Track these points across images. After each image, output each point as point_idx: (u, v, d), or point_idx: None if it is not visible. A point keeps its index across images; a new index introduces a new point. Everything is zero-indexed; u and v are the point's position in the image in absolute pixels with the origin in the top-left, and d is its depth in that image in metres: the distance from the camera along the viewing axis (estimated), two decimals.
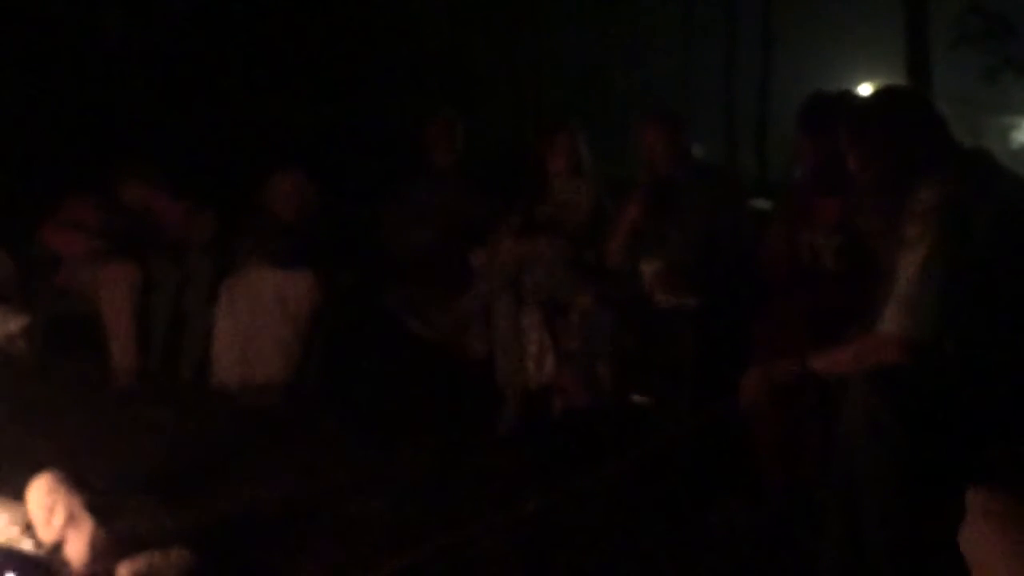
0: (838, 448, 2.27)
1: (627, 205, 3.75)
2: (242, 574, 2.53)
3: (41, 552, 2.37)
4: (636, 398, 3.55)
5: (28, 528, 2.41)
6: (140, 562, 2.29)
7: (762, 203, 4.34)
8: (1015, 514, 1.35)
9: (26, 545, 2.38)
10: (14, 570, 2.22)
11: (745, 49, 17.21)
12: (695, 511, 2.99)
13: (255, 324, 4.23)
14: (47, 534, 2.37)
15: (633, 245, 3.71)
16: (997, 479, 1.43)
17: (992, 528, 1.37)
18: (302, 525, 2.89)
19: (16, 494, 2.52)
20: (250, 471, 3.35)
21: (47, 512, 2.38)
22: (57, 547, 2.36)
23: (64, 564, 2.32)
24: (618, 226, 3.76)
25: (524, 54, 14.64)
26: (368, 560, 2.62)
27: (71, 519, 2.36)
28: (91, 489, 2.55)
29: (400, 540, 2.75)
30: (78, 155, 5.54)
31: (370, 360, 4.41)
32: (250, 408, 4.08)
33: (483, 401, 3.93)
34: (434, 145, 4.61)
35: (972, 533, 1.44)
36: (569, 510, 2.94)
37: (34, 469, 2.55)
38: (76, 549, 2.32)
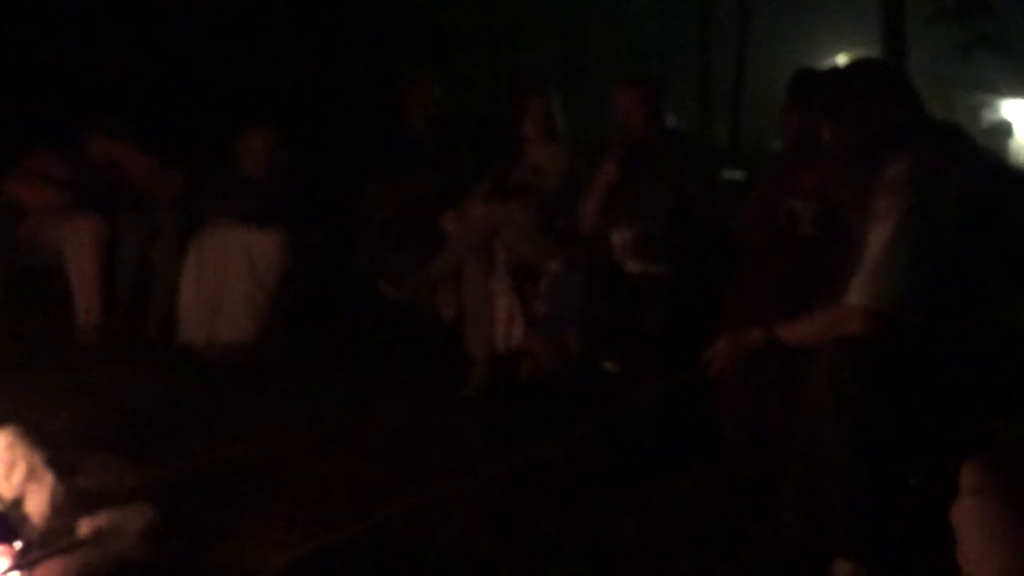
0: (802, 416, 2.29)
1: (602, 166, 3.74)
2: (205, 532, 2.51)
3: (0, 507, 2.34)
4: (605, 365, 3.56)
5: None
6: (102, 519, 2.27)
7: (735, 174, 4.35)
8: (1005, 493, 1.36)
9: None
10: None
11: (722, 21, 17.15)
12: (661, 477, 3.01)
13: (223, 282, 4.20)
14: (7, 489, 2.35)
15: (607, 208, 3.71)
16: (992, 456, 1.44)
17: (981, 505, 1.39)
18: (267, 484, 2.88)
19: None
20: (215, 430, 3.34)
21: (7, 467, 2.35)
22: (17, 503, 2.34)
23: (24, 519, 2.30)
24: (594, 188, 3.74)
25: (501, 17, 14.51)
26: (333, 520, 2.62)
27: (32, 474, 2.33)
28: (53, 444, 2.52)
29: (366, 501, 2.75)
30: (45, 107, 5.44)
31: (338, 320, 4.39)
32: (216, 366, 4.06)
33: (451, 364, 3.93)
34: (410, 106, 4.56)
35: (962, 508, 1.45)
36: (535, 473, 2.96)
37: None
38: (36, 504, 2.30)
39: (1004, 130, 15.47)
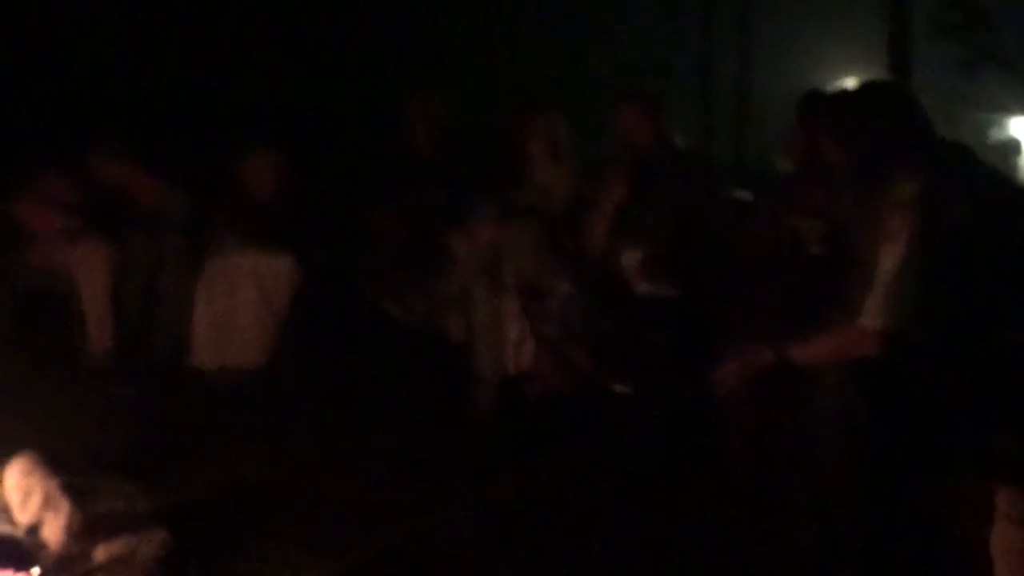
0: (810, 436, 2.29)
1: (610, 186, 3.75)
2: (217, 555, 2.52)
3: (17, 535, 2.35)
4: (614, 385, 3.57)
5: (4, 511, 2.39)
6: (117, 545, 2.29)
7: (742, 194, 4.37)
8: None
9: (2, 528, 2.36)
10: None
11: (724, 39, 17.21)
12: (667, 495, 3.01)
13: (232, 305, 4.21)
14: (24, 516, 2.36)
15: (614, 228, 3.72)
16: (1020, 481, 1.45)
17: (1013, 531, 1.40)
18: (276, 506, 2.89)
19: None
20: (224, 452, 3.35)
21: (24, 494, 2.37)
22: (33, 529, 2.35)
23: (41, 547, 2.31)
24: (602, 208, 3.75)
25: (502, 35, 14.57)
26: (342, 542, 2.62)
27: (48, 501, 2.34)
28: (64, 470, 2.53)
29: (374, 522, 2.76)
30: (53, 131, 5.46)
31: (346, 342, 4.40)
32: (226, 389, 4.07)
33: (459, 385, 3.93)
34: (416, 127, 4.58)
35: (1000, 535, 1.47)
36: (542, 493, 2.96)
37: (6, 449, 2.53)
38: (53, 531, 2.31)
39: (1012, 148, 15.48)
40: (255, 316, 4.19)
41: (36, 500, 2.34)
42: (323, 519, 2.82)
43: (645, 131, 3.77)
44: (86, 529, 2.32)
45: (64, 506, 2.33)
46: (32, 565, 2.21)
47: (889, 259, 2.24)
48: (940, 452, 2.25)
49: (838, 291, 2.56)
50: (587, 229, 3.83)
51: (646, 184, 3.71)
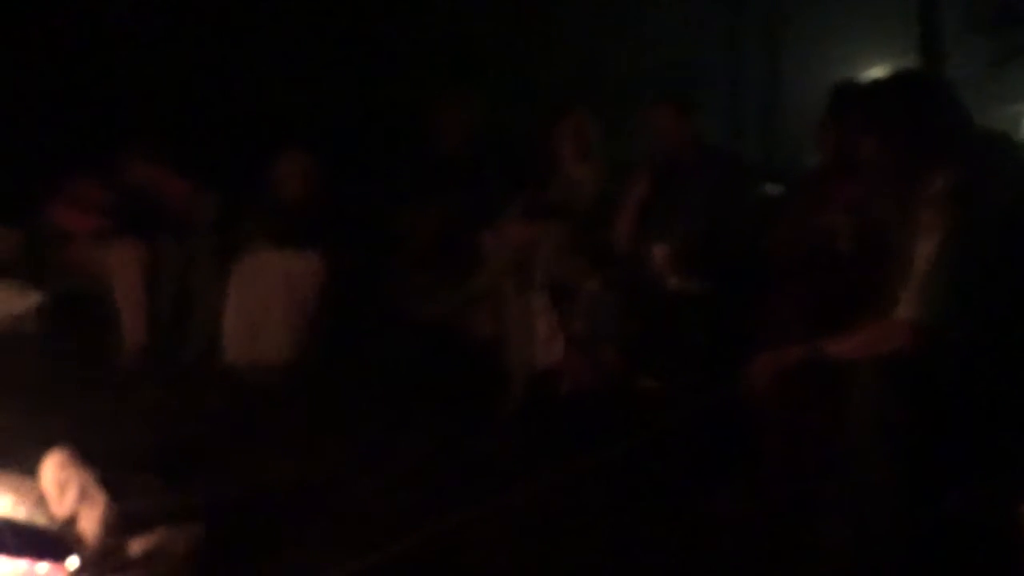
0: (844, 436, 2.27)
1: (635, 185, 3.75)
2: (246, 552, 2.54)
3: (53, 527, 2.38)
4: (644, 382, 3.56)
5: (40, 503, 2.42)
6: (152, 538, 2.31)
7: (773, 188, 4.34)
8: None
9: (39, 520, 2.39)
10: (27, 545, 2.23)
11: (754, 34, 17.10)
12: (697, 497, 2.98)
13: (262, 305, 4.24)
14: (60, 509, 2.39)
15: (642, 225, 3.71)
16: None
17: None
18: (304, 506, 2.90)
19: (26, 470, 2.53)
20: (254, 451, 3.37)
21: (60, 487, 2.39)
22: (70, 522, 2.37)
23: (76, 539, 2.33)
24: (627, 206, 3.75)
25: (531, 37, 14.59)
26: (369, 540, 2.62)
27: (84, 495, 2.37)
28: (99, 467, 2.56)
29: (401, 521, 2.75)
30: (86, 133, 5.52)
31: (374, 341, 4.41)
32: (255, 388, 4.10)
33: (487, 382, 3.93)
34: (447, 128, 4.60)
35: None
36: (569, 494, 2.95)
37: (43, 446, 2.56)
38: (89, 524, 2.33)
39: None
40: (284, 314, 4.22)
41: (72, 493, 2.37)
42: (351, 517, 2.83)
43: (677, 132, 3.77)
44: (121, 523, 2.35)
45: (100, 499, 2.36)
46: (68, 556, 2.23)
47: (924, 252, 2.20)
48: (978, 454, 2.21)
49: (871, 287, 2.52)
50: (615, 226, 3.82)
51: (676, 181, 3.71)
